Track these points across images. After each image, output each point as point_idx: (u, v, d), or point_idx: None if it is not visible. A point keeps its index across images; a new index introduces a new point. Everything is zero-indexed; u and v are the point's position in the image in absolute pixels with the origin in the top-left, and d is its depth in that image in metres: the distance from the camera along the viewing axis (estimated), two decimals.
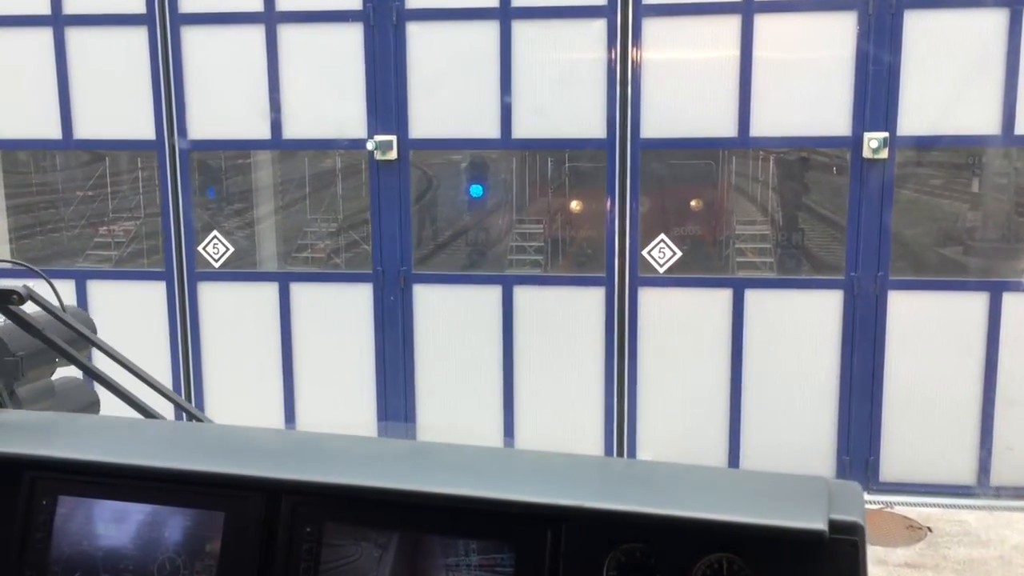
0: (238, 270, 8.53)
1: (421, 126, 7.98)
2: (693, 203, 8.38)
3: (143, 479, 1.61)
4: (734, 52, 7.58)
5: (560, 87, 7.80)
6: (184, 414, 2.42)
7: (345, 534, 1.53)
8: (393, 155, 7.96)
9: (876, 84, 7.46)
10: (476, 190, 8.98)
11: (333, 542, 1.53)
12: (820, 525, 1.37)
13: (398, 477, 1.57)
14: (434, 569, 1.49)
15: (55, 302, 2.15)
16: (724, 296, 7.91)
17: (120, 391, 2.16)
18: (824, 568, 1.40)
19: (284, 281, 8.39)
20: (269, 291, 8.36)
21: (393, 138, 7.94)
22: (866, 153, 7.51)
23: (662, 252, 7.92)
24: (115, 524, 1.61)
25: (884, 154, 7.49)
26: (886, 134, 7.45)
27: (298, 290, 8.36)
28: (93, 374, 2.15)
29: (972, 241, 8.12)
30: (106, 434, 1.88)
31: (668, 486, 1.56)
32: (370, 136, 7.95)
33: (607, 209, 7.91)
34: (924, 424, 7.84)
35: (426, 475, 1.60)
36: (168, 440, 1.89)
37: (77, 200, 9.12)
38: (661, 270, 7.95)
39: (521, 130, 7.87)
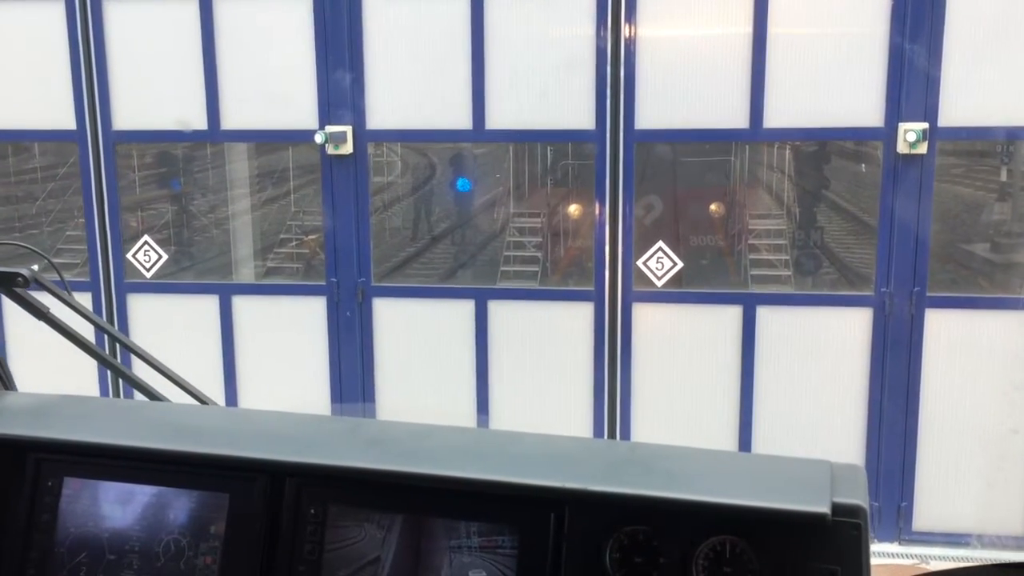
0: (173, 281, 7.50)
1: (380, 115, 6.92)
2: (713, 207, 7.68)
3: (148, 461, 1.64)
4: (746, 28, 6.52)
5: (541, 70, 6.74)
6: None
7: (349, 516, 1.55)
8: (348, 149, 6.87)
9: (913, 67, 6.35)
10: (463, 184, 8.38)
11: (337, 523, 1.55)
12: (823, 508, 1.37)
13: (402, 459, 1.59)
14: (437, 551, 1.51)
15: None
16: (733, 314, 6.83)
17: (125, 373, 2.19)
18: (827, 550, 1.40)
19: (225, 294, 7.32)
20: (208, 304, 7.29)
21: (347, 129, 6.85)
22: (901, 147, 6.41)
23: (660, 262, 6.84)
24: (120, 506, 1.63)
25: (922, 148, 6.39)
26: (925, 125, 6.37)
27: (241, 304, 7.29)
28: (100, 357, 2.16)
29: (1001, 237, 7.26)
30: (111, 416, 1.90)
31: (671, 469, 1.57)
32: (321, 127, 6.84)
33: (596, 212, 6.80)
34: (966, 465, 6.77)
35: (429, 458, 1.61)
36: (173, 422, 1.88)
37: (46, 193, 8.37)
38: (659, 283, 6.89)
39: (496, 119, 6.79)
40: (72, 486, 1.65)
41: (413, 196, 10.28)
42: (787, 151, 8.08)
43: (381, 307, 7.13)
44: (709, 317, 6.89)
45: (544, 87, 6.74)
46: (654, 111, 6.63)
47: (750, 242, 8.01)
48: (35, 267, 2.00)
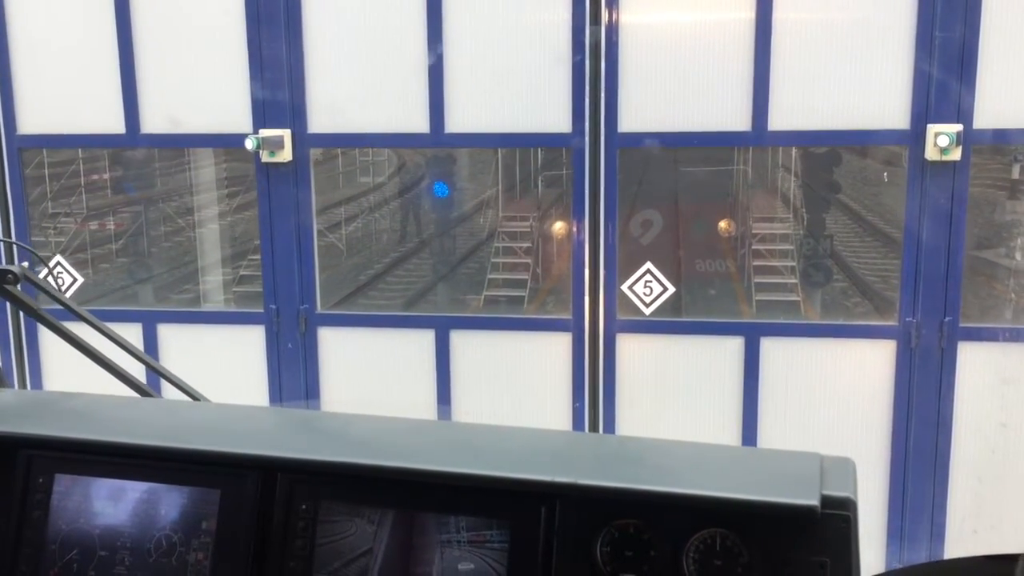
0: (93, 308, 6.56)
1: (323, 117, 6.03)
2: (723, 224, 7.12)
3: (139, 457, 1.64)
4: (748, 13, 5.65)
5: (509, 63, 5.89)
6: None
7: (340, 511, 1.55)
8: (286, 156, 5.96)
9: (945, 59, 5.49)
10: (440, 189, 7.87)
11: (328, 519, 1.55)
12: (812, 501, 1.39)
13: (392, 455, 1.59)
14: (428, 546, 1.51)
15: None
16: (733, 347, 5.98)
17: (116, 370, 2.14)
18: (817, 543, 1.42)
19: (149, 322, 6.42)
20: (130, 334, 6.36)
21: (285, 133, 5.94)
22: (930, 153, 5.54)
23: (648, 287, 6.00)
24: (112, 502, 1.63)
25: (955, 154, 5.49)
26: (959, 127, 5.48)
27: (168, 334, 6.40)
28: (90, 353, 2.11)
29: (1016, 242, 6.78)
30: (102, 412, 1.89)
31: (661, 463, 1.60)
32: (254, 130, 5.93)
33: (573, 229, 5.90)
34: (1005, 520, 5.87)
35: (420, 453, 1.63)
36: (164, 419, 1.88)
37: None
38: (647, 311, 6.08)
39: (456, 122, 5.89)
40: (63, 483, 1.66)
41: (400, 199, 9.66)
42: (794, 150, 7.39)
43: (328, 338, 6.23)
44: (706, 350, 6.01)
45: (513, 83, 5.88)
46: (640, 111, 5.78)
47: (754, 247, 7.39)
48: (25, 264, 2.00)
